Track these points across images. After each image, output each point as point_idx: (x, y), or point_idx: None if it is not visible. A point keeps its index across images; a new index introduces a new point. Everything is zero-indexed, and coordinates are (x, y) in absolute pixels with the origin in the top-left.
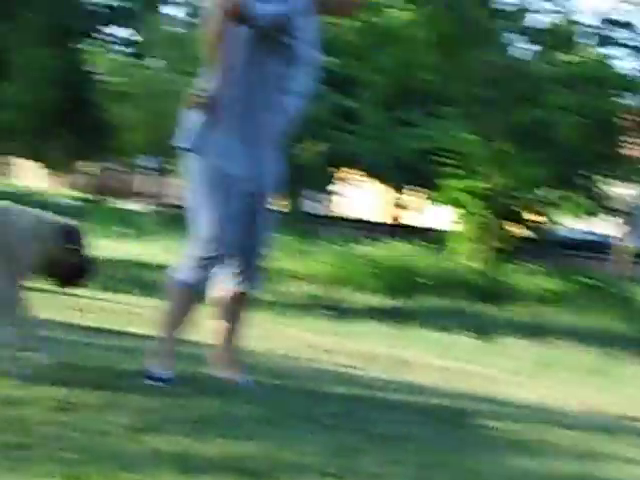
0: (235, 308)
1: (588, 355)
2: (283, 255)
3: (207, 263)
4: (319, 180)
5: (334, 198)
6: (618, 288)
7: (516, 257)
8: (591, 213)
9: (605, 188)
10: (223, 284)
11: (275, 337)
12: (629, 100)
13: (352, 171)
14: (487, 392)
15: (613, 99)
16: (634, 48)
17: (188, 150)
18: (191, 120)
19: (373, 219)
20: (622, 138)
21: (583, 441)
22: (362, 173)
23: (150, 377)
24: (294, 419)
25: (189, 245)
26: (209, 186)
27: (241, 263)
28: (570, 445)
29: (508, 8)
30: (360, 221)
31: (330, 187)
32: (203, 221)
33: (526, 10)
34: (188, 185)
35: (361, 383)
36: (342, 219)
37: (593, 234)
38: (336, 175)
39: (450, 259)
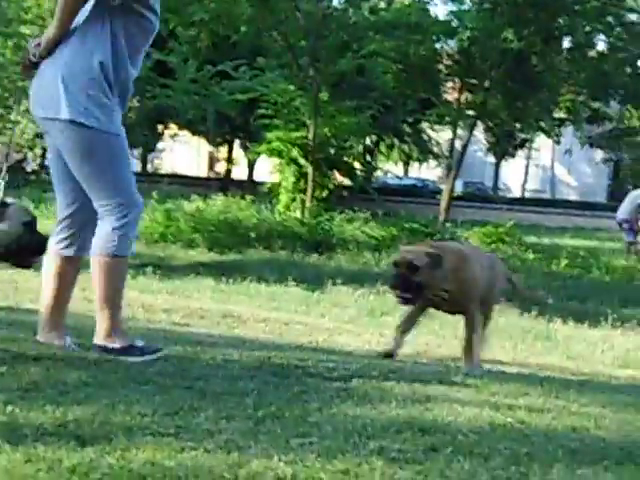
0: (65, 271)
1: None
2: None
3: (135, 223)
4: (141, 138)
5: (161, 156)
6: (440, 231)
7: (338, 205)
8: (417, 159)
9: (431, 134)
10: (54, 247)
11: None
12: (446, 45)
13: (175, 127)
14: (319, 342)
15: (431, 45)
16: None
17: (70, 121)
18: (55, 87)
19: (202, 175)
20: (442, 83)
21: (413, 385)
22: (184, 128)
23: (137, 353)
24: (127, 381)
25: (113, 216)
26: (106, 150)
27: (73, 225)
28: (400, 390)
29: None
30: (187, 177)
31: (156, 145)
32: (114, 187)
33: None
34: (75, 154)
35: (194, 340)
36: (169, 176)
37: (418, 180)
38: (161, 132)
39: (275, 211)
